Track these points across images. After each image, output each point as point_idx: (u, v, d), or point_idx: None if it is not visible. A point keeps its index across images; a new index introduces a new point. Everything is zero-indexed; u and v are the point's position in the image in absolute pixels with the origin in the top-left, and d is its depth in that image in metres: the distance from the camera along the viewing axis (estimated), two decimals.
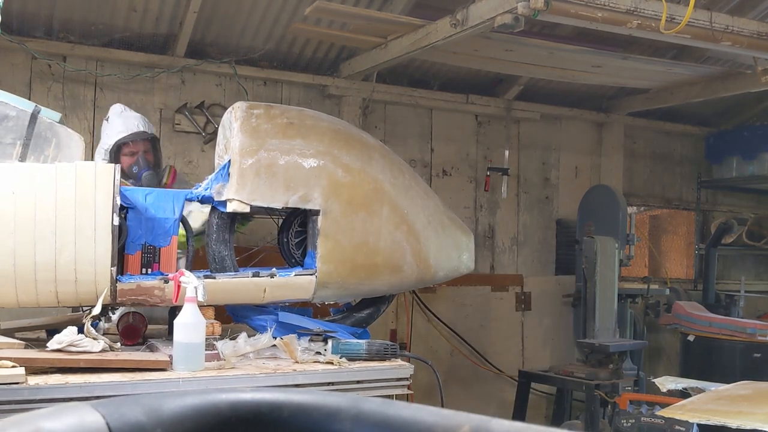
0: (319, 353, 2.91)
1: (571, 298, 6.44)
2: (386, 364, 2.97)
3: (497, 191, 6.51)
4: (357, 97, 5.83)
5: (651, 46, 5.91)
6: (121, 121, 3.78)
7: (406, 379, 2.94)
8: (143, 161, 3.75)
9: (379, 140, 3.61)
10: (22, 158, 2.86)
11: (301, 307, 3.42)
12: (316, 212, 3.11)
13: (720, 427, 3.10)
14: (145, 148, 3.79)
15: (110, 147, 3.71)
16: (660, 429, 3.56)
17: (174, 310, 2.97)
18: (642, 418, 3.74)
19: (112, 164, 2.89)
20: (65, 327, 2.63)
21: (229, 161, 3.06)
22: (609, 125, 7.11)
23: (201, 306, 2.65)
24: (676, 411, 3.38)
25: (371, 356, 2.95)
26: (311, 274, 3.11)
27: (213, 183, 3.06)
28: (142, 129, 3.79)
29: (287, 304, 3.29)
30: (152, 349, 2.91)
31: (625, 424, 3.80)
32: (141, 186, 3.59)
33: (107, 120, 3.83)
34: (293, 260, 3.28)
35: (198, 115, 5.35)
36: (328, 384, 2.76)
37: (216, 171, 3.12)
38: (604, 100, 7.04)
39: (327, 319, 3.49)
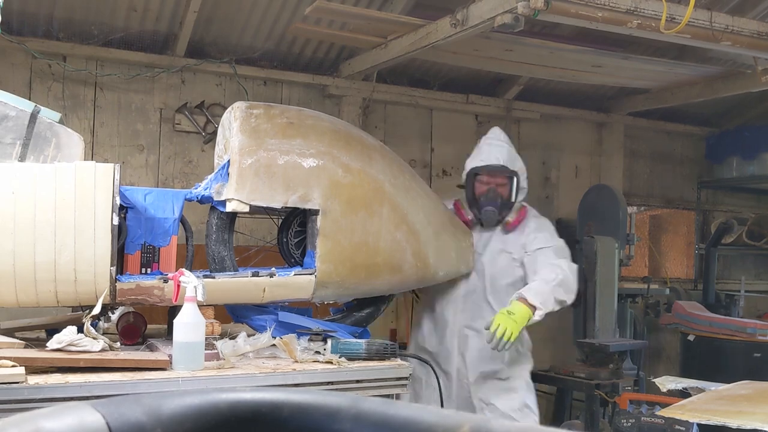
0: (318, 353, 2.91)
1: None
2: (386, 363, 2.97)
3: None
4: (357, 97, 5.83)
5: (651, 46, 5.91)
6: (487, 149, 3.92)
7: (406, 378, 2.94)
8: (493, 194, 3.80)
9: (379, 140, 3.61)
10: (22, 158, 2.86)
11: (301, 307, 3.42)
12: (316, 212, 3.11)
13: (720, 427, 3.10)
14: (501, 182, 3.83)
15: (468, 171, 3.86)
16: (660, 429, 3.56)
17: (173, 310, 2.97)
18: (642, 418, 3.74)
19: (112, 164, 2.89)
20: (65, 327, 2.63)
21: (229, 161, 3.06)
22: (609, 125, 7.11)
23: (200, 306, 2.65)
24: (676, 411, 3.38)
25: (370, 356, 2.95)
26: (310, 274, 3.11)
27: (212, 183, 3.07)
28: (501, 164, 3.84)
29: (287, 303, 3.29)
30: (152, 348, 2.91)
31: (625, 424, 3.80)
32: (482, 219, 3.75)
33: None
34: (293, 260, 3.28)
35: (198, 115, 5.35)
36: (328, 384, 2.76)
37: (215, 171, 3.12)
38: (604, 100, 7.04)
39: (327, 318, 3.49)
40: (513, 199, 3.86)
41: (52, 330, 2.87)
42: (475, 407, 3.85)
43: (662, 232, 7.97)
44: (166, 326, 3.25)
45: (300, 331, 3.12)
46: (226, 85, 5.50)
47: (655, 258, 7.68)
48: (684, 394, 4.06)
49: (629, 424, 3.76)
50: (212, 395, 0.67)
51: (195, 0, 4.78)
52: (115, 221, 2.76)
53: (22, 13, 4.81)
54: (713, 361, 6.09)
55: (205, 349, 2.66)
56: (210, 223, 3.12)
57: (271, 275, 3.06)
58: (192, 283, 2.63)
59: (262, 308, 3.21)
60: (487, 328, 3.42)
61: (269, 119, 3.11)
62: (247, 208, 3.03)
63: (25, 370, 2.35)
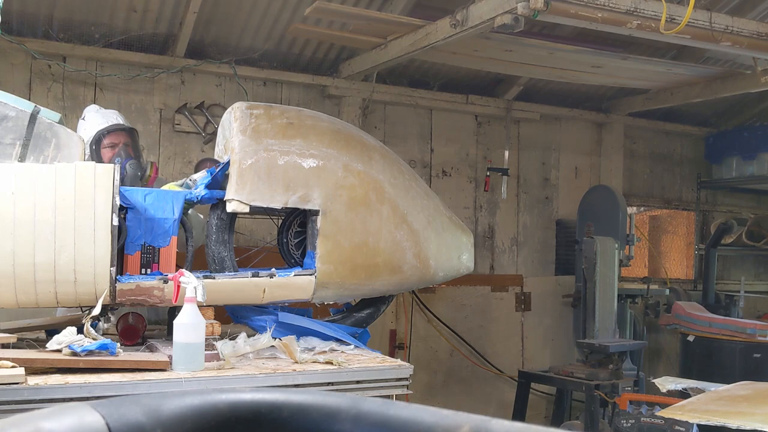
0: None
1: (571, 299, 6.44)
2: (386, 364, 2.97)
3: (497, 191, 6.51)
4: (357, 98, 5.83)
5: (651, 46, 5.91)
6: (100, 116, 3.70)
7: (406, 379, 2.94)
8: (125, 152, 3.62)
9: (379, 140, 3.61)
10: (22, 158, 2.86)
11: (301, 308, 3.42)
12: (316, 212, 3.11)
13: (720, 427, 3.10)
14: (125, 140, 3.66)
15: (90, 139, 3.58)
16: (660, 429, 3.56)
17: (173, 311, 2.97)
18: (642, 419, 3.74)
19: (112, 164, 2.89)
20: (65, 327, 2.63)
21: (228, 161, 3.06)
22: (609, 125, 7.11)
23: (200, 306, 2.64)
24: (676, 411, 3.38)
25: None
26: (310, 275, 3.11)
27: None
28: (120, 121, 3.72)
29: (287, 304, 3.29)
30: (152, 349, 2.91)
31: (625, 425, 3.80)
32: (124, 176, 3.47)
33: (83, 119, 3.74)
34: (293, 260, 3.28)
35: (198, 116, 5.35)
36: (328, 384, 2.76)
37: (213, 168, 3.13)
38: (604, 100, 7.04)
39: (327, 319, 3.49)
40: (141, 155, 3.76)
41: (52, 330, 2.88)
42: None
43: (662, 232, 7.98)
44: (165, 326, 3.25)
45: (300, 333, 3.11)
46: (226, 85, 5.50)
47: (654, 258, 7.69)
48: (684, 394, 4.06)
49: (629, 424, 3.77)
50: (212, 396, 0.67)
51: (195, 1, 4.78)
52: (115, 222, 2.76)
53: (22, 14, 4.81)
54: (713, 361, 6.09)
55: (205, 350, 2.66)
56: (210, 223, 3.12)
57: (271, 276, 3.06)
58: (192, 283, 2.63)
59: (262, 309, 3.21)
60: None
61: (269, 119, 3.11)
62: (247, 209, 3.03)
63: (25, 370, 2.35)
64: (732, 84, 5.94)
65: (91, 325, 2.68)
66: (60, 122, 3.03)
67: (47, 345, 2.59)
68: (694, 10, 4.16)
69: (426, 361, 6.12)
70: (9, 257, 2.64)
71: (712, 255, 7.18)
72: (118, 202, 2.78)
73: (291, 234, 3.29)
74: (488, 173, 6.41)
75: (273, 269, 3.10)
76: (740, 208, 7.94)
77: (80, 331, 2.63)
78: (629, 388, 4.81)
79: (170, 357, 2.61)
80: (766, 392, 3.78)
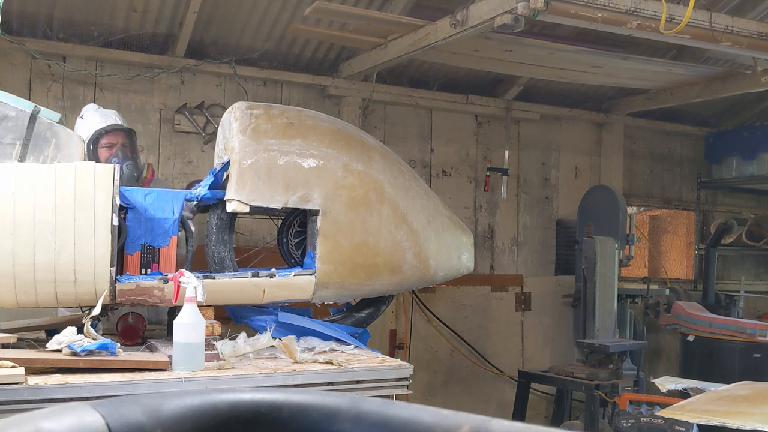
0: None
1: (571, 299, 6.44)
2: (386, 364, 2.97)
3: (497, 191, 6.51)
4: (357, 98, 5.83)
5: (651, 46, 5.91)
6: (99, 115, 3.71)
7: (406, 379, 2.94)
8: (122, 153, 3.63)
9: (379, 140, 3.61)
10: (22, 158, 2.86)
11: (301, 308, 3.42)
12: (316, 212, 3.11)
13: (720, 427, 3.10)
14: (123, 140, 3.67)
15: (89, 138, 3.61)
16: (660, 429, 3.56)
17: (173, 311, 2.97)
18: (642, 419, 3.74)
19: (112, 164, 2.89)
20: (65, 327, 2.63)
21: (228, 161, 3.06)
22: (609, 125, 7.11)
23: (200, 306, 2.64)
24: (676, 411, 3.38)
25: None
26: (310, 275, 3.11)
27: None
28: (119, 122, 3.74)
29: (287, 304, 3.29)
30: (152, 349, 2.91)
31: (625, 425, 3.80)
32: (120, 177, 3.50)
33: (82, 117, 3.76)
34: (293, 260, 3.28)
35: (198, 116, 5.34)
36: (328, 384, 2.76)
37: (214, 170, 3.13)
38: (604, 100, 7.04)
39: (327, 319, 3.49)
40: (138, 156, 3.79)
41: (52, 330, 2.88)
42: None
43: (662, 232, 7.98)
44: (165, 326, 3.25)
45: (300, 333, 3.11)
46: (226, 85, 5.50)
47: (654, 258, 7.69)
48: (684, 394, 4.06)
49: (629, 424, 3.77)
50: (212, 396, 0.67)
51: (195, 1, 4.78)
52: (115, 221, 2.76)
53: (22, 14, 4.81)
54: (713, 361, 6.09)
55: (205, 350, 2.66)
56: (210, 223, 3.12)
57: (271, 276, 3.06)
58: (192, 283, 2.63)
59: (262, 309, 3.21)
60: None
61: (269, 119, 3.11)
62: (247, 209, 3.03)
63: (25, 370, 2.35)
64: (732, 84, 5.94)
65: (91, 325, 2.68)
66: (60, 122, 3.03)
67: (47, 345, 2.59)
68: (694, 10, 4.16)
69: (426, 361, 6.12)
70: (9, 257, 2.64)
71: (712, 255, 7.18)
72: (118, 202, 2.78)
73: (291, 234, 3.29)
74: (488, 173, 6.41)
75: (273, 269, 3.10)
76: (740, 208, 7.94)
77: (80, 331, 2.63)
78: (629, 388, 4.81)
79: (170, 357, 2.61)
80: (766, 392, 3.78)
